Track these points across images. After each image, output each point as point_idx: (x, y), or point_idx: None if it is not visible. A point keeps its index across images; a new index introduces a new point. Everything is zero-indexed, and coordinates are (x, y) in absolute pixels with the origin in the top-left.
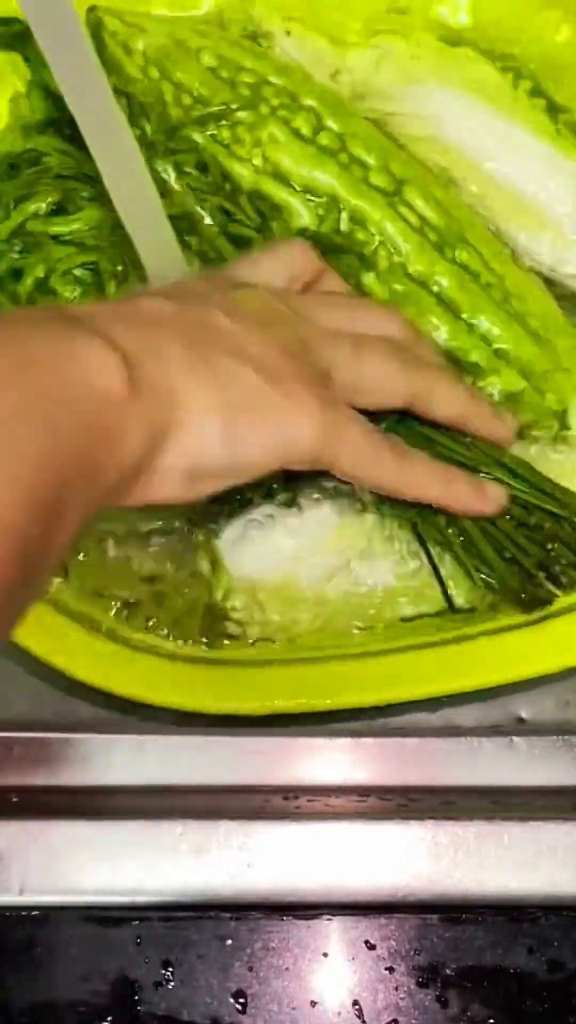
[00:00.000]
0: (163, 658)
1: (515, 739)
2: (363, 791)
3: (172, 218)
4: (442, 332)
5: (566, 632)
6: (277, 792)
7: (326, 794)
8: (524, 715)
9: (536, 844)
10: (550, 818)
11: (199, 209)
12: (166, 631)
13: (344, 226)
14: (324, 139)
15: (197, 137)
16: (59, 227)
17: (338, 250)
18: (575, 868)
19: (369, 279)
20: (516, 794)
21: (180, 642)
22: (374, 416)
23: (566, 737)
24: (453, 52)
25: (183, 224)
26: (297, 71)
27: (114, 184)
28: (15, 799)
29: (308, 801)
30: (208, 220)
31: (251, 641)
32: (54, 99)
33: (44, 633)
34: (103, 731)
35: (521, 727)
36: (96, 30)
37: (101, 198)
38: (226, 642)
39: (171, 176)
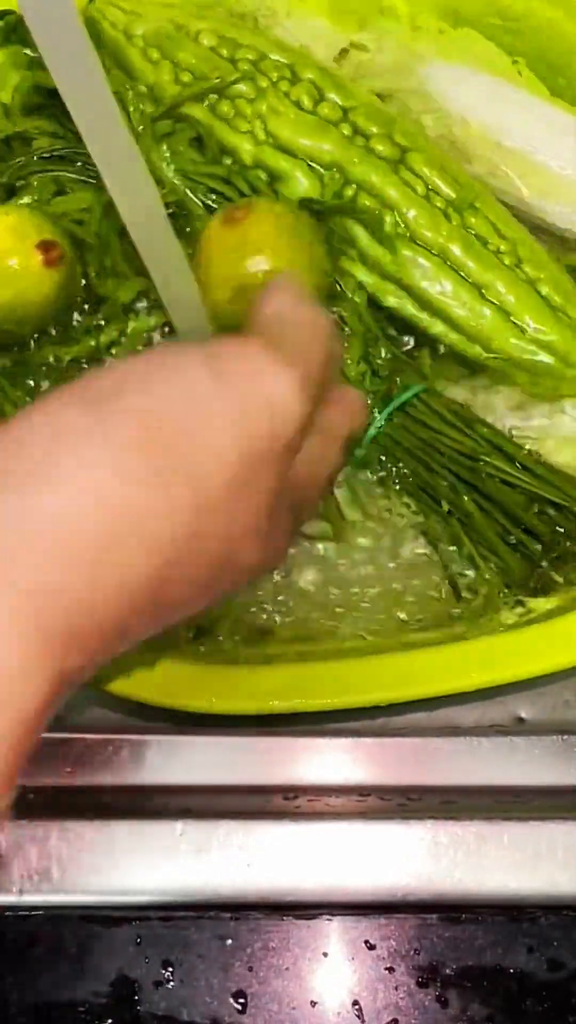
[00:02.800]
0: (164, 658)
1: (515, 739)
2: (363, 791)
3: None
4: (451, 297)
5: (566, 632)
6: (277, 792)
7: (326, 794)
8: (524, 715)
9: (536, 844)
10: (550, 818)
11: (190, 194)
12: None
13: (348, 192)
14: (325, 110)
15: (195, 112)
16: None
17: (340, 213)
18: (575, 868)
19: (374, 245)
20: (516, 794)
21: (183, 641)
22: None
23: (566, 737)
24: (454, 32)
25: (175, 212)
26: (298, 50)
27: (111, 177)
28: (14, 799)
29: (308, 801)
30: (199, 206)
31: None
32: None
33: None
34: (104, 731)
35: (521, 727)
36: (96, 20)
37: (88, 182)
38: (227, 641)
39: (164, 162)
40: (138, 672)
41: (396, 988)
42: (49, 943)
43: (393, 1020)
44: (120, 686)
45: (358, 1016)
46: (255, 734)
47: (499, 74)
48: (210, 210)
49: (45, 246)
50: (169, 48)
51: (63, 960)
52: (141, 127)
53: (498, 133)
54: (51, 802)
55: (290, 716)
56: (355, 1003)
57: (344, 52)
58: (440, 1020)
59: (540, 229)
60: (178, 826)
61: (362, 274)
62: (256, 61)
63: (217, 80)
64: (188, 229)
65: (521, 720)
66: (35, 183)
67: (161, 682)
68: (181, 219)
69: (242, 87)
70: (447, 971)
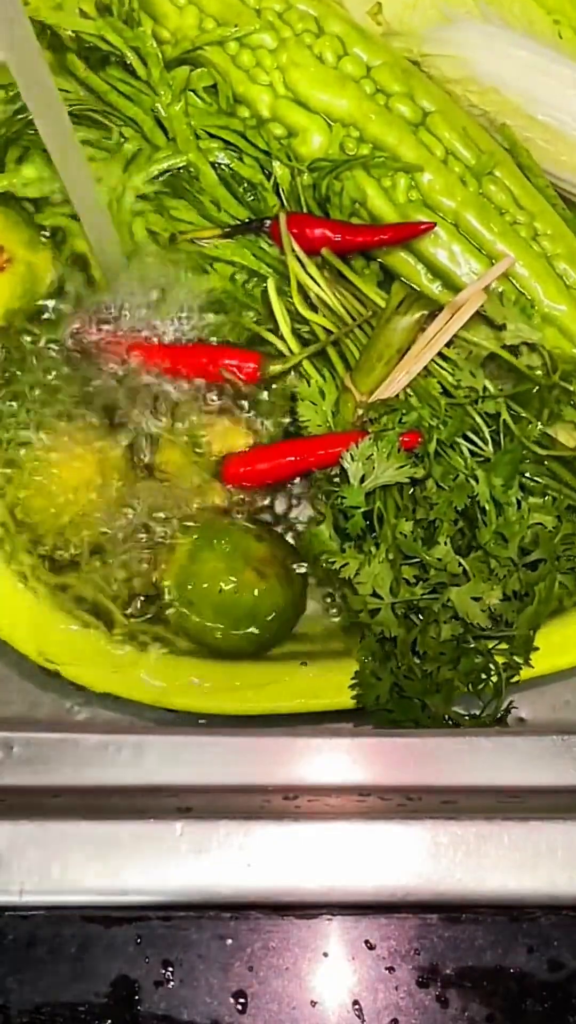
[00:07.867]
0: (163, 658)
1: (515, 739)
2: (363, 791)
3: (176, 169)
4: (462, 266)
5: (566, 632)
6: (277, 792)
7: (326, 794)
8: (524, 715)
9: (536, 844)
10: (550, 818)
11: (201, 156)
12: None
13: (363, 150)
14: (348, 66)
15: (215, 57)
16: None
17: (349, 167)
18: (575, 868)
19: (385, 205)
20: (516, 794)
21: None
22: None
23: (566, 737)
24: None
25: (185, 174)
26: (327, 1)
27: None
28: (14, 799)
29: (308, 801)
30: (209, 168)
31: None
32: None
33: (44, 635)
34: (103, 731)
35: (521, 727)
36: None
37: (95, 146)
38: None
39: (180, 120)
40: (138, 672)
41: (396, 988)
42: (49, 943)
43: (393, 1020)
44: (120, 686)
45: (358, 1016)
46: (255, 734)
47: (538, 34)
48: (220, 175)
49: None
50: None
51: (63, 960)
52: (158, 74)
53: (534, 105)
54: (51, 802)
55: (290, 716)
56: (355, 1003)
57: (379, 5)
58: (440, 1020)
59: (570, 203)
60: (178, 826)
61: None
62: (282, 12)
63: (237, 28)
64: (194, 188)
65: (521, 720)
66: (37, 159)
67: (161, 682)
68: (188, 179)
69: (264, 37)
70: (447, 971)
